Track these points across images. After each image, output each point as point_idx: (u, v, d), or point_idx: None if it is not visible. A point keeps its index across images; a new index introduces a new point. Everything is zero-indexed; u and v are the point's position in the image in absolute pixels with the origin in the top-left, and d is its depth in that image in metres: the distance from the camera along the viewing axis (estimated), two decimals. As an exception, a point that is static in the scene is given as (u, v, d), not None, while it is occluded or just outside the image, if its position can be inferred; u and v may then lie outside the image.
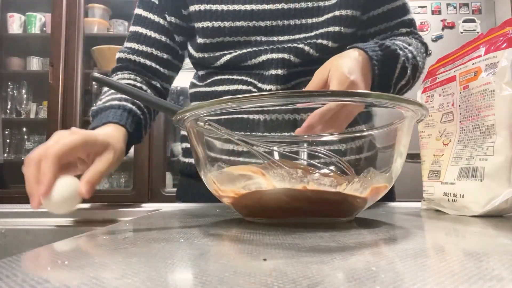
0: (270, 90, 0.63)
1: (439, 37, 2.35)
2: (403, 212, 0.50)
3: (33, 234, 0.52)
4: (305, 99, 0.38)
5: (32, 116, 2.27)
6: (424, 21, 2.36)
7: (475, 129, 0.45)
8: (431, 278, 0.18)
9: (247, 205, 0.38)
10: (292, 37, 0.66)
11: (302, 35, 0.66)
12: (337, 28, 0.64)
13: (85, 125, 2.24)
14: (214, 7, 0.66)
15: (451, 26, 2.37)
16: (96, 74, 0.45)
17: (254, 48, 0.65)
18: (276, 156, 0.44)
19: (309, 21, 0.66)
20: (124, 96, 0.62)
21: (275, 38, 0.66)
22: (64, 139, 0.45)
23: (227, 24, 0.65)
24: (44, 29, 2.29)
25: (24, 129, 2.23)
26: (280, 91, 0.62)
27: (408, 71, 0.63)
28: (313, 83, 0.51)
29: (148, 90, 0.69)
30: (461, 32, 2.36)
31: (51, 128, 2.09)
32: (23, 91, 2.22)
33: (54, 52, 2.12)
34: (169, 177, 2.19)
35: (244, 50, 0.66)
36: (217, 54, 0.68)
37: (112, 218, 0.56)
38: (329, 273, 0.19)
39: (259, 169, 0.37)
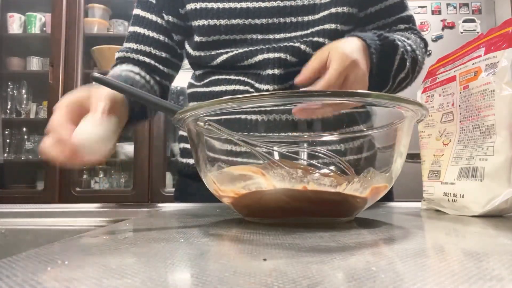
0: (267, 90, 0.64)
1: (439, 37, 2.35)
2: (403, 212, 0.50)
3: (33, 234, 0.52)
4: (305, 99, 0.38)
5: (32, 116, 2.27)
6: (424, 21, 2.36)
7: (475, 129, 0.45)
8: (431, 278, 0.18)
9: (247, 205, 0.38)
10: (288, 35, 0.66)
11: (298, 33, 0.66)
12: (333, 26, 0.64)
13: (85, 125, 2.24)
14: (210, 5, 0.66)
15: (451, 26, 2.37)
16: (96, 74, 0.45)
17: (250, 48, 0.65)
18: (276, 156, 0.44)
19: (305, 18, 0.65)
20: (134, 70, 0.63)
21: (271, 36, 0.66)
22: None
23: (222, 22, 0.65)
24: (44, 29, 2.29)
25: (24, 129, 2.23)
26: (280, 91, 0.62)
27: (407, 64, 0.63)
28: (312, 64, 0.51)
29: (151, 81, 0.69)
30: (461, 32, 2.36)
31: (51, 128, 2.09)
32: (23, 91, 2.22)
33: (54, 52, 2.13)
34: (169, 177, 2.19)
35: (240, 50, 0.66)
36: (213, 52, 0.68)
37: (112, 218, 0.56)
38: (329, 273, 0.19)
39: (259, 169, 0.37)
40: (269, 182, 0.36)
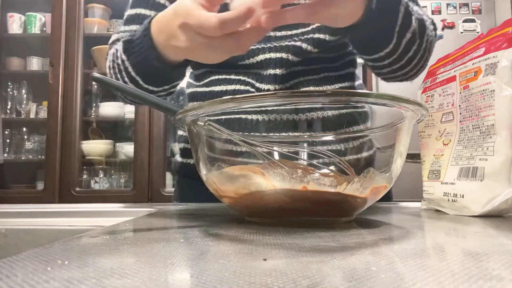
0: (269, 90, 0.63)
1: (439, 37, 2.35)
2: (403, 212, 0.50)
3: (33, 234, 0.52)
4: (305, 99, 0.38)
5: (32, 116, 2.27)
6: (424, 21, 2.36)
7: (475, 129, 0.45)
8: (431, 278, 0.18)
9: (247, 205, 0.38)
10: (289, 32, 0.65)
11: (299, 30, 0.65)
12: None
13: (85, 125, 2.25)
14: None
15: (451, 26, 2.37)
16: (96, 74, 0.45)
17: (251, 46, 0.65)
18: (276, 156, 0.44)
19: None
20: None
21: (272, 34, 0.66)
22: None
23: None
24: (44, 29, 2.29)
25: (24, 129, 2.23)
26: (280, 91, 0.61)
27: (413, 21, 0.57)
28: None
29: None
30: (461, 32, 2.36)
31: (51, 128, 2.10)
32: (23, 91, 2.22)
33: (54, 52, 2.13)
34: (169, 177, 2.19)
35: None
36: None
37: (112, 218, 0.56)
38: (329, 273, 0.19)
39: (259, 169, 0.37)
40: (269, 182, 0.36)
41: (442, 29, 2.36)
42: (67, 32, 2.15)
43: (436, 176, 0.49)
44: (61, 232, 0.52)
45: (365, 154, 0.44)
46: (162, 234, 0.31)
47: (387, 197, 0.72)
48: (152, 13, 0.69)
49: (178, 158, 0.76)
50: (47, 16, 2.25)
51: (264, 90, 0.63)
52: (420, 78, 0.65)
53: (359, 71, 0.74)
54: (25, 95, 2.23)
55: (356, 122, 0.46)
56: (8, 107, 2.24)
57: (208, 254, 0.24)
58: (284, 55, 0.63)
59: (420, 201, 0.54)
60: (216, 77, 0.69)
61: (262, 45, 0.65)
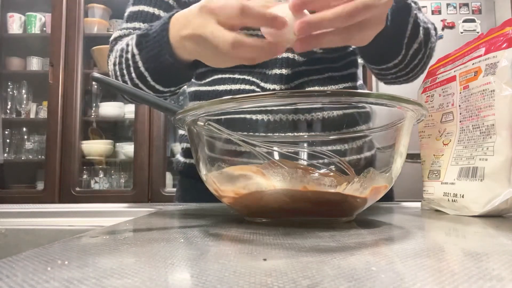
0: (274, 89, 0.63)
1: (439, 37, 2.34)
2: (403, 212, 0.50)
3: (33, 234, 0.52)
4: (305, 99, 0.38)
5: (32, 116, 2.27)
6: (424, 21, 2.36)
7: (475, 129, 0.45)
8: (431, 278, 0.18)
9: (247, 205, 0.38)
10: None
11: None
12: None
13: (85, 125, 2.25)
14: None
15: (451, 26, 2.37)
16: (96, 74, 0.45)
17: None
18: (276, 156, 0.44)
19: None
20: None
21: None
22: None
23: None
24: (44, 29, 2.29)
25: (24, 129, 2.23)
26: (280, 91, 0.61)
27: (421, 32, 0.59)
28: None
29: None
30: (461, 32, 2.36)
31: (51, 128, 2.10)
32: (23, 91, 2.22)
33: (54, 52, 2.13)
34: (169, 177, 2.19)
35: None
36: None
37: (112, 218, 0.56)
38: (329, 273, 0.19)
39: (259, 169, 0.37)
40: (269, 182, 0.36)
41: (442, 29, 2.36)
42: (67, 32, 2.15)
43: (436, 176, 0.49)
44: (61, 232, 0.52)
45: (365, 154, 0.44)
46: (162, 234, 0.31)
47: (389, 197, 0.72)
48: (155, 10, 0.68)
49: (180, 158, 0.76)
50: (47, 16, 2.25)
51: (269, 90, 0.63)
52: (420, 78, 0.65)
53: (359, 71, 0.75)
54: (25, 95, 2.23)
55: (356, 122, 0.46)
56: (8, 107, 2.24)
57: (208, 254, 0.24)
58: (290, 55, 0.63)
59: (420, 201, 0.54)
60: (220, 76, 0.68)
61: None
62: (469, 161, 0.45)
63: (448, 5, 2.39)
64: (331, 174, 0.42)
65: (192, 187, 0.72)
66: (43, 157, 2.13)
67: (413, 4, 0.57)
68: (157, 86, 0.61)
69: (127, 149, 2.22)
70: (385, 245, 0.27)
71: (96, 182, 2.22)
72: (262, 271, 0.19)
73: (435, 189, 0.49)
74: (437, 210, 0.50)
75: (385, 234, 0.31)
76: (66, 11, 2.15)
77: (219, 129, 0.37)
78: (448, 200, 0.47)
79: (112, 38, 0.69)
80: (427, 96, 0.54)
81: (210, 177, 0.39)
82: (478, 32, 2.32)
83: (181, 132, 0.77)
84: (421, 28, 0.59)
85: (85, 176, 2.21)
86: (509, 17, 0.47)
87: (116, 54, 0.64)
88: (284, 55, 0.63)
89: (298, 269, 0.19)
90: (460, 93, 0.47)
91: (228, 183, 0.38)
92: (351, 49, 0.70)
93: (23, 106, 2.23)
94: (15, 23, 2.25)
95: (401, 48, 0.59)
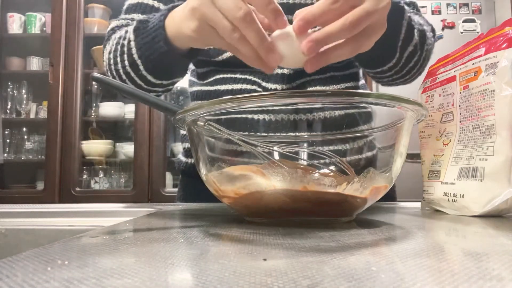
0: (276, 89, 0.63)
1: (439, 37, 2.35)
2: (403, 212, 0.50)
3: (33, 234, 0.52)
4: (305, 99, 0.38)
5: (32, 116, 2.27)
6: (424, 21, 2.36)
7: (475, 129, 0.45)
8: (431, 278, 0.18)
9: (247, 205, 0.38)
10: None
11: None
12: None
13: (85, 125, 2.25)
14: None
15: (451, 26, 2.37)
16: (96, 74, 0.45)
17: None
18: (276, 156, 0.44)
19: None
20: None
21: None
22: None
23: None
24: (44, 29, 2.29)
25: (24, 129, 2.24)
26: (280, 91, 0.61)
27: (415, 34, 0.59)
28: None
29: None
30: (461, 32, 2.36)
31: (51, 128, 2.10)
32: (23, 91, 2.22)
33: (54, 52, 2.13)
34: (169, 177, 2.19)
35: None
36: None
37: (112, 218, 0.56)
38: (329, 273, 0.19)
39: (259, 169, 0.37)
40: (269, 182, 0.36)
41: (442, 29, 2.36)
42: (67, 32, 2.15)
43: (436, 176, 0.49)
44: (61, 232, 0.52)
45: (365, 154, 0.44)
46: (162, 234, 0.31)
47: (391, 197, 0.72)
48: (154, 2, 0.68)
49: (182, 157, 0.76)
50: (47, 16, 2.25)
51: (271, 90, 0.63)
52: (420, 78, 0.65)
53: (361, 71, 0.75)
54: (25, 95, 2.23)
55: (356, 122, 0.46)
56: (8, 107, 2.24)
57: (208, 254, 0.24)
58: None
59: (420, 201, 0.54)
60: (221, 76, 0.68)
61: None
62: (469, 161, 0.45)
63: (448, 5, 2.39)
64: (331, 174, 0.42)
65: (194, 187, 0.72)
66: (43, 157, 2.13)
67: (406, 7, 0.57)
68: (149, 77, 0.60)
69: (127, 149, 2.22)
70: (385, 245, 0.27)
71: (96, 182, 2.22)
72: (262, 271, 0.19)
73: (435, 189, 0.49)
74: (437, 210, 0.50)
75: (385, 234, 0.31)
76: (66, 11, 2.15)
77: (219, 129, 0.37)
78: (448, 200, 0.47)
79: (109, 28, 0.69)
80: (427, 96, 0.54)
81: (210, 177, 0.39)
82: (478, 32, 2.32)
83: (182, 132, 0.77)
84: (415, 31, 0.59)
85: (85, 176, 2.21)
86: (509, 17, 0.47)
87: (113, 42, 0.63)
88: None
89: (298, 269, 0.19)
90: (460, 93, 0.47)
91: (228, 183, 0.38)
92: None
93: (23, 106, 2.23)
94: (15, 23, 2.25)
95: (395, 51, 0.59)
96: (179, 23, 0.49)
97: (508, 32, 0.43)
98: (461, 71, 0.47)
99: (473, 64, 0.46)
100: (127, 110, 2.25)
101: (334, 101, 0.41)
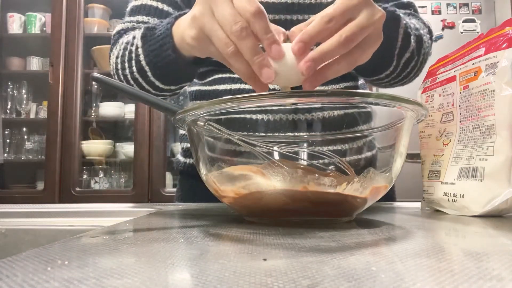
0: (274, 89, 0.63)
1: (439, 37, 2.35)
2: (403, 212, 0.50)
3: (33, 234, 0.52)
4: (304, 99, 0.38)
5: (32, 116, 2.27)
6: (424, 21, 2.36)
7: (475, 129, 0.45)
8: (431, 278, 0.18)
9: (247, 205, 0.38)
10: None
11: None
12: None
13: (85, 125, 2.25)
14: None
15: (451, 26, 2.37)
16: (96, 74, 0.45)
17: None
18: (276, 156, 0.44)
19: (312, 16, 0.65)
20: None
21: None
22: None
23: None
24: (44, 29, 2.29)
25: (24, 129, 2.24)
26: (280, 91, 0.61)
27: (412, 41, 0.59)
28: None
29: None
30: (461, 32, 2.36)
31: (51, 128, 2.10)
32: (23, 91, 2.22)
33: (54, 52, 2.13)
34: (169, 177, 2.19)
35: None
36: None
37: (112, 218, 0.56)
38: (329, 273, 0.19)
39: (259, 169, 0.37)
40: (269, 182, 0.36)
41: (442, 29, 2.36)
42: (67, 32, 2.15)
43: (436, 176, 0.49)
44: (61, 232, 0.52)
45: (365, 154, 0.44)
46: (162, 234, 0.31)
47: (391, 197, 0.72)
48: (158, 4, 0.68)
49: (180, 157, 0.76)
50: (47, 16, 2.25)
51: (269, 90, 0.63)
52: (420, 78, 0.65)
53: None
54: (25, 95, 2.23)
55: (356, 122, 0.46)
56: (8, 107, 2.24)
57: (208, 254, 0.24)
58: None
59: (420, 201, 0.54)
60: (220, 75, 0.68)
61: None
62: (469, 161, 0.45)
63: (448, 5, 2.40)
64: (331, 174, 0.42)
65: (193, 187, 0.72)
66: (43, 157, 2.13)
67: (401, 15, 0.58)
68: (157, 83, 0.60)
69: (127, 149, 2.22)
70: (385, 245, 0.27)
71: (96, 182, 2.22)
72: (262, 271, 0.19)
73: (435, 189, 0.49)
74: (437, 210, 0.50)
75: (385, 234, 0.31)
76: (66, 11, 2.15)
77: (219, 129, 0.37)
78: (448, 200, 0.47)
79: (114, 31, 0.69)
80: (427, 96, 0.54)
81: (210, 177, 0.39)
82: (478, 32, 2.32)
83: (181, 131, 0.77)
84: (412, 37, 0.59)
85: (85, 176, 2.21)
86: (509, 17, 0.47)
87: (120, 47, 0.63)
88: None
89: (298, 269, 0.19)
90: (460, 93, 0.47)
91: (228, 183, 0.38)
92: None
93: (23, 106, 2.23)
94: (15, 23, 2.25)
95: (392, 59, 0.59)
96: (182, 31, 0.50)
97: (508, 32, 0.43)
98: (461, 71, 0.47)
99: (473, 64, 0.46)
100: (127, 110, 2.25)
101: (334, 101, 0.41)
